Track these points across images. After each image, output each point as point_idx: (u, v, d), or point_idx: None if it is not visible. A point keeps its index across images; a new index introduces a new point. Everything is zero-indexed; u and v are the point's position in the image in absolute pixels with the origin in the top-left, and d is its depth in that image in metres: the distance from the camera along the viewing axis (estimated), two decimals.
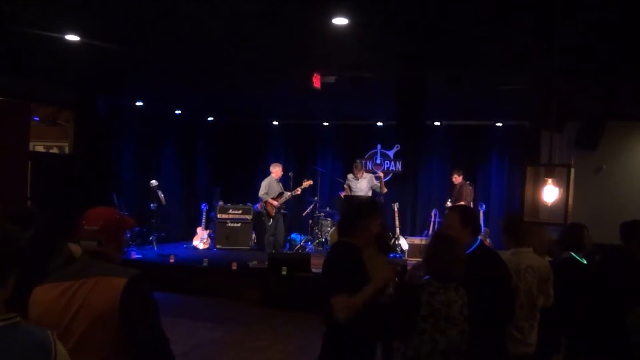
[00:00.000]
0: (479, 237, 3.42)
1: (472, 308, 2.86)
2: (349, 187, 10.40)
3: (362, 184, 10.37)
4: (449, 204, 10.24)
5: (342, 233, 3.23)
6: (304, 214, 11.61)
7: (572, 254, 3.99)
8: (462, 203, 9.81)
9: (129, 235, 10.00)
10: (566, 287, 3.76)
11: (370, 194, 10.32)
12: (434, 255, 2.91)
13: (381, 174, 10.73)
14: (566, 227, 3.98)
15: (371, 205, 3.47)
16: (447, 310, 2.77)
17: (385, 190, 10.46)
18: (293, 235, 11.45)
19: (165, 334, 2.21)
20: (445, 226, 3.45)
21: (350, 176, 10.53)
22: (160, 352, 2.19)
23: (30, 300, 2.19)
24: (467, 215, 3.42)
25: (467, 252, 3.19)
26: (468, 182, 10.41)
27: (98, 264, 2.21)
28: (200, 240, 11.11)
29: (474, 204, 10.31)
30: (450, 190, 10.61)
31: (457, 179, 10.32)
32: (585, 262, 4.00)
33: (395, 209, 10.55)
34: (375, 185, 10.40)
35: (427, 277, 2.93)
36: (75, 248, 3.34)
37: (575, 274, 3.86)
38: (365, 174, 10.55)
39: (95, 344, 2.08)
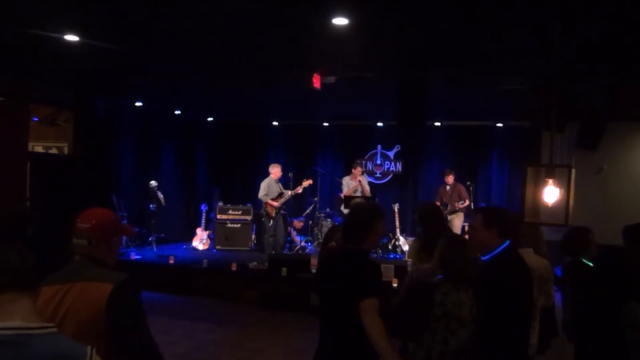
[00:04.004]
0: (508, 241, 3.14)
1: (485, 313, 2.84)
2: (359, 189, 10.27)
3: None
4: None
5: (351, 239, 3.03)
6: (304, 215, 11.60)
7: (584, 260, 3.94)
8: (467, 202, 9.84)
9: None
10: (577, 291, 3.73)
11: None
12: (447, 256, 2.91)
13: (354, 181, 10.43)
14: (571, 231, 3.94)
15: (378, 206, 3.37)
16: (459, 310, 2.79)
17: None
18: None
19: (154, 339, 2.14)
20: (470, 228, 3.28)
21: (347, 179, 10.48)
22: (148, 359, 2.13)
23: None
24: (491, 217, 3.20)
25: (488, 256, 3.09)
26: (468, 183, 10.41)
27: (88, 267, 2.18)
28: (200, 241, 11.09)
29: (474, 204, 10.30)
30: (441, 191, 10.47)
31: (450, 179, 10.31)
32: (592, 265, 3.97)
33: (396, 210, 10.53)
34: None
35: (439, 277, 2.94)
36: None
37: (587, 278, 3.82)
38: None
39: None
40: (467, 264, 2.85)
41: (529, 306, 3.22)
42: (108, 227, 2.29)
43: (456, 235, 3.16)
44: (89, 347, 1.65)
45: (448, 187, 10.29)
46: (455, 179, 10.34)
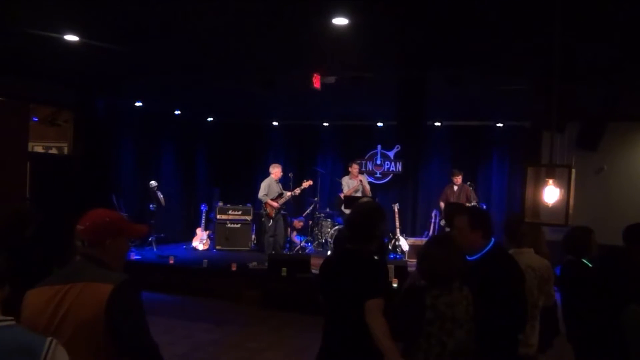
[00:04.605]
0: (493, 240, 3.21)
1: (481, 313, 2.82)
2: (359, 189, 10.33)
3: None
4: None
5: (358, 239, 3.03)
6: (304, 215, 11.60)
7: (583, 260, 3.93)
8: (474, 204, 9.84)
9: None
10: (574, 291, 3.72)
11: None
12: (422, 260, 2.89)
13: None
14: (573, 231, 3.94)
15: (381, 206, 3.35)
16: (452, 311, 2.75)
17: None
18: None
19: (154, 340, 2.13)
20: (456, 230, 3.28)
21: (346, 178, 10.51)
22: None
23: (22, 304, 2.15)
24: (476, 218, 3.25)
25: (477, 256, 3.11)
26: (469, 183, 10.41)
27: (89, 268, 2.16)
28: (200, 241, 11.09)
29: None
30: (448, 191, 10.47)
31: (459, 179, 10.30)
32: (591, 265, 3.96)
33: (396, 210, 10.52)
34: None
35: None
36: None
37: (584, 278, 3.81)
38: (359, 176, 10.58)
39: (81, 351, 2.02)
40: (445, 266, 2.79)
41: (523, 302, 3.22)
42: (102, 229, 2.24)
43: (439, 237, 3.12)
44: (48, 339, 1.70)
45: (456, 188, 10.28)
46: (462, 181, 10.35)
